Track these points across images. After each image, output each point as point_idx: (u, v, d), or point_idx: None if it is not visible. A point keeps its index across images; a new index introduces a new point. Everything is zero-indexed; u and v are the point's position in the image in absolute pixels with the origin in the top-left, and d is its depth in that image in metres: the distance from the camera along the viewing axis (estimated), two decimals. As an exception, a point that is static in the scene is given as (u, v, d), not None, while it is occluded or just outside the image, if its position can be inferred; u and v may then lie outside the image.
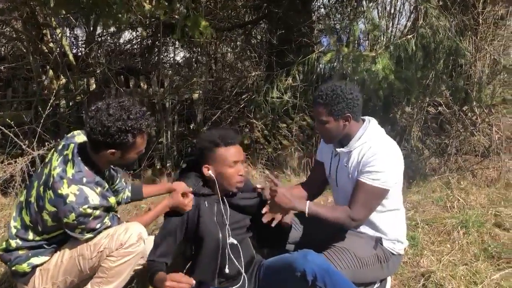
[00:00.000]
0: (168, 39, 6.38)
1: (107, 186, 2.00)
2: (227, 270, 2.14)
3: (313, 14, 5.91)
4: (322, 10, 6.46)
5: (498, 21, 4.92)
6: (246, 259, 2.21)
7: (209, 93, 5.59)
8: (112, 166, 2.17)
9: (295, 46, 5.20)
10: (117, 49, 7.11)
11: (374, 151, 2.19)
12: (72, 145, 1.97)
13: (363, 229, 2.34)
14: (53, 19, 5.11)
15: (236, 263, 2.15)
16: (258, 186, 2.37)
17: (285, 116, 5.35)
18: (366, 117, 2.37)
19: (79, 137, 2.04)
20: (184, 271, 2.21)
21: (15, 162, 3.03)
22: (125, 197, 2.38)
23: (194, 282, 1.93)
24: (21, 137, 3.55)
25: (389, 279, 2.47)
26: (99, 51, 6.29)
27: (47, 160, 1.99)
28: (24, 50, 5.48)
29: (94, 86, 5.42)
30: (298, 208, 2.16)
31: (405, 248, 2.50)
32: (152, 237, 2.33)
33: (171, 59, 6.97)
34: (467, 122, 4.69)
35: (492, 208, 3.48)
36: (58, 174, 1.87)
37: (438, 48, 3.92)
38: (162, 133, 5.03)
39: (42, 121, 3.44)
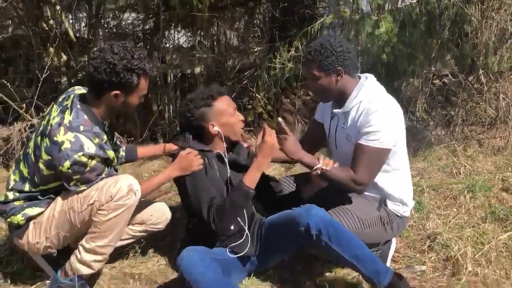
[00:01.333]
0: (170, 24, 6.29)
1: (105, 138, 1.96)
2: (232, 227, 2.12)
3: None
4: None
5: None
6: (248, 217, 2.17)
7: (211, 68, 5.53)
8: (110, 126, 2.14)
9: (298, 19, 5.12)
10: (119, 31, 7.06)
11: (371, 110, 2.12)
12: (72, 96, 1.94)
13: (369, 190, 2.29)
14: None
15: (240, 220, 2.13)
16: (245, 144, 2.38)
17: (288, 90, 5.30)
18: (363, 74, 2.30)
19: (79, 90, 2.01)
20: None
21: (13, 126, 3.00)
22: (120, 156, 2.34)
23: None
24: (21, 111, 3.52)
25: (393, 240, 2.44)
26: (100, 32, 6.24)
27: (46, 113, 1.96)
28: (24, 28, 5.43)
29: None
30: (306, 161, 2.11)
31: (410, 210, 2.46)
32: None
33: (174, 41, 6.90)
34: (473, 91, 4.61)
35: (499, 174, 3.42)
36: (56, 122, 1.84)
37: (443, 14, 3.84)
38: (165, 108, 5.01)
39: (40, 88, 3.37)
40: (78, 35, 5.93)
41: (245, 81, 5.55)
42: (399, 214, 2.29)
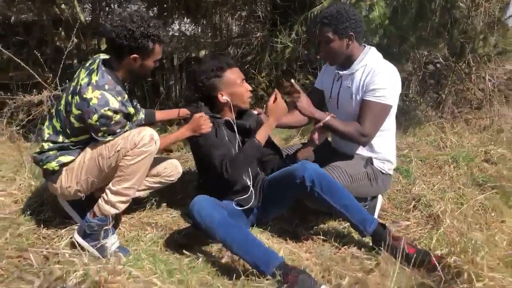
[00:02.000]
0: (174, 12, 6.49)
1: (126, 96, 2.24)
2: (248, 182, 2.38)
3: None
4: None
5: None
6: (252, 175, 2.43)
7: (214, 53, 5.77)
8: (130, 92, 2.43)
9: (299, 5, 5.35)
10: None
11: (377, 70, 2.40)
12: (97, 60, 2.22)
13: (359, 149, 2.58)
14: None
15: (247, 180, 2.38)
16: (255, 111, 2.60)
17: (289, 73, 5.55)
18: (367, 45, 2.58)
19: (104, 56, 2.28)
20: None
21: (41, 94, 3.27)
22: (140, 119, 2.61)
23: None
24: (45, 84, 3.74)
25: (379, 197, 2.72)
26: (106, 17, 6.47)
27: (75, 76, 2.23)
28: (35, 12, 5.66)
29: (105, 45, 5.63)
30: (317, 116, 2.38)
31: (393, 169, 2.74)
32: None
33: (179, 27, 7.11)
34: (463, 74, 4.88)
35: (483, 147, 3.71)
36: (85, 82, 2.12)
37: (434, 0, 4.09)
38: (171, 89, 5.26)
39: (61, 68, 3.63)
40: (88, 20, 6.17)
41: (247, 66, 5.79)
42: (384, 172, 2.58)
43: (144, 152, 2.12)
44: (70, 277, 1.63)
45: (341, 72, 2.55)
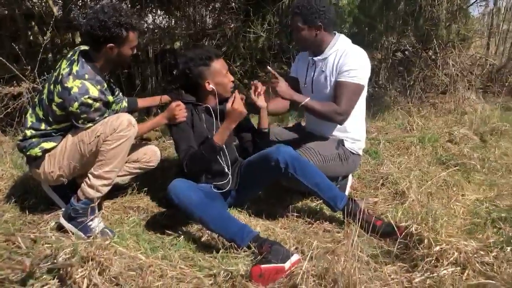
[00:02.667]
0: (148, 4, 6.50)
1: (105, 86, 2.34)
2: (226, 170, 2.50)
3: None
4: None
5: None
6: (231, 160, 2.57)
7: (189, 44, 5.84)
8: (113, 82, 2.53)
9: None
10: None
11: (349, 53, 2.59)
12: (78, 52, 2.32)
13: (332, 130, 2.74)
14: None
15: (224, 165, 2.51)
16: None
17: (263, 64, 5.67)
18: (337, 33, 2.74)
19: (83, 47, 2.38)
20: (177, 169, 2.60)
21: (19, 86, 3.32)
22: (123, 107, 2.71)
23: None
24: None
25: (350, 177, 2.90)
26: (79, 11, 6.45)
27: (56, 67, 2.32)
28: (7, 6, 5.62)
29: (79, 39, 5.64)
30: (296, 99, 2.55)
31: (363, 151, 2.91)
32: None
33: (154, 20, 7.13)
34: (429, 60, 5.10)
35: (447, 129, 3.93)
36: (66, 72, 2.23)
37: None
38: (147, 80, 5.33)
39: (39, 61, 3.68)
40: (60, 14, 6.16)
41: (222, 56, 5.88)
42: (354, 152, 2.75)
43: (123, 136, 2.22)
44: (60, 254, 1.72)
45: (314, 58, 2.71)
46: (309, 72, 2.80)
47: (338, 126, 2.70)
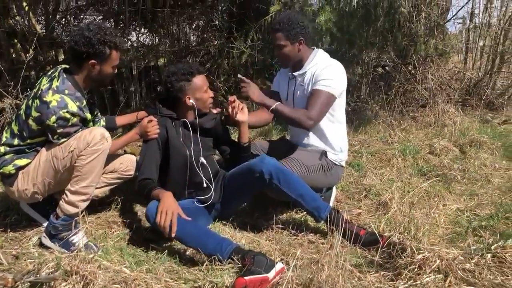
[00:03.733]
0: (131, 22, 6.54)
1: (85, 103, 2.35)
2: (204, 184, 2.52)
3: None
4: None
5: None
6: (212, 173, 2.58)
7: (173, 61, 5.88)
8: (92, 102, 2.55)
9: (254, 13, 5.57)
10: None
11: (325, 64, 2.67)
12: (59, 68, 2.33)
13: (315, 142, 2.78)
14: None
15: (204, 178, 2.52)
16: (214, 111, 2.73)
17: (247, 79, 5.73)
18: (315, 48, 2.81)
19: (65, 66, 2.38)
20: (159, 184, 2.59)
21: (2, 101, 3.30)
22: (101, 126, 2.70)
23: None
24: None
25: (334, 189, 2.93)
26: (62, 29, 6.46)
27: (37, 84, 2.32)
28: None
29: (63, 56, 5.64)
30: (267, 103, 2.59)
31: (346, 161, 2.96)
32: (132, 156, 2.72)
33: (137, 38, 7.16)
34: (409, 75, 5.22)
35: (428, 141, 4.01)
36: (46, 87, 2.23)
37: (378, 6, 4.39)
38: (131, 97, 5.33)
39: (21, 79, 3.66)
40: (45, 31, 6.15)
41: (206, 73, 5.93)
42: (337, 163, 2.78)
43: (97, 150, 2.20)
44: (43, 268, 1.71)
45: (294, 73, 2.76)
46: (290, 87, 2.85)
47: (322, 138, 2.75)
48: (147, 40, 6.99)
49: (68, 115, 2.19)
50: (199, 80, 2.54)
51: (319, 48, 2.83)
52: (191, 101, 2.52)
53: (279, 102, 2.60)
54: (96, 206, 2.74)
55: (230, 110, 2.56)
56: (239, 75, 2.61)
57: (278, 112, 2.60)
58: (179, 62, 2.82)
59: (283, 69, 2.99)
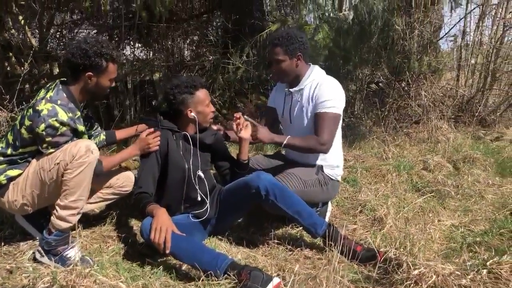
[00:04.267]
0: (126, 37, 6.58)
1: (79, 114, 2.34)
2: (198, 198, 2.52)
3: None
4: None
5: (429, 6, 5.54)
6: (209, 188, 2.58)
7: (168, 76, 5.91)
8: (91, 116, 2.55)
9: (249, 29, 5.63)
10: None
11: (323, 84, 2.68)
12: (57, 81, 2.34)
13: (311, 157, 2.78)
14: (14, 6, 5.29)
15: (200, 192, 2.53)
16: (214, 127, 2.76)
17: (242, 94, 5.77)
18: (311, 64, 2.83)
19: (63, 79, 2.38)
20: (156, 197, 2.59)
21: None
22: (101, 140, 2.72)
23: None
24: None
25: (329, 204, 2.94)
26: (57, 43, 6.48)
27: (36, 96, 2.32)
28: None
29: (57, 70, 5.65)
30: (278, 140, 2.61)
31: (342, 179, 2.97)
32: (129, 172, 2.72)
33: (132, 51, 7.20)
34: (402, 91, 5.28)
35: (422, 157, 4.04)
36: (41, 97, 2.24)
37: (373, 23, 4.46)
38: (126, 111, 5.33)
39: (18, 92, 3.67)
40: (39, 44, 6.16)
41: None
42: (333, 178, 2.79)
43: (83, 163, 2.18)
44: (38, 283, 1.69)
45: (291, 90, 2.78)
46: (286, 103, 2.87)
47: (318, 154, 2.75)
48: (141, 54, 7.05)
49: (57, 124, 2.18)
50: (202, 94, 2.54)
51: (315, 65, 2.85)
52: (192, 114, 2.52)
53: (289, 136, 2.62)
54: (91, 220, 2.73)
55: (234, 126, 2.57)
56: (245, 116, 2.61)
57: (290, 146, 2.63)
58: (182, 75, 2.82)
59: (279, 85, 3.00)
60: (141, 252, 2.42)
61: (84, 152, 2.18)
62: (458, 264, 2.21)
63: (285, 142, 2.60)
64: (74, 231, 2.23)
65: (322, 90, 2.66)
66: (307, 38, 2.79)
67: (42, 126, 2.16)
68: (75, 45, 2.26)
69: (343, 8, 5.18)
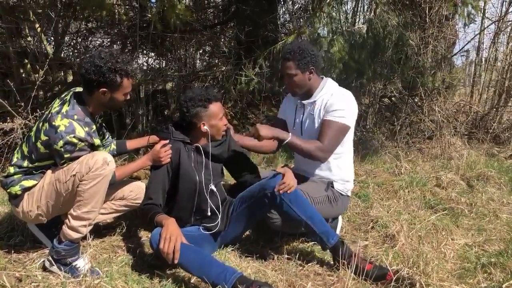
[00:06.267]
0: (140, 45, 6.63)
1: (94, 128, 2.34)
2: (208, 213, 2.51)
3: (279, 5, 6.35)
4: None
5: (443, 22, 5.53)
6: (220, 200, 2.56)
7: (180, 85, 5.93)
8: (104, 126, 2.56)
9: (262, 41, 5.65)
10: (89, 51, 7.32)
11: (336, 94, 2.66)
12: (71, 93, 2.33)
13: (321, 172, 2.76)
14: (31, 13, 5.37)
15: (212, 205, 2.51)
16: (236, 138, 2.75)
17: (254, 106, 5.78)
18: (324, 77, 2.82)
19: (79, 88, 2.39)
20: (167, 209, 2.58)
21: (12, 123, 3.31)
22: (112, 149, 2.72)
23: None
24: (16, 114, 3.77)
25: (340, 219, 2.90)
26: (72, 51, 6.55)
27: (50, 106, 2.33)
28: (1, 44, 5.68)
29: (71, 77, 5.70)
30: (280, 136, 2.57)
31: (353, 194, 2.94)
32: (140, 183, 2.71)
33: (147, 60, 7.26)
34: (415, 107, 5.24)
35: (434, 173, 3.99)
36: (56, 110, 2.23)
37: (387, 38, 4.45)
38: (138, 120, 5.35)
39: (32, 98, 3.70)
40: (54, 52, 6.24)
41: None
42: (343, 193, 2.76)
43: (99, 175, 2.18)
44: (47, 293, 1.68)
45: (303, 102, 2.76)
46: (297, 115, 2.85)
47: (328, 167, 2.74)
48: (154, 63, 7.09)
49: (75, 140, 2.18)
50: (216, 108, 2.51)
51: (328, 77, 2.84)
52: (205, 127, 2.50)
53: (291, 134, 2.59)
54: (101, 229, 2.72)
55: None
56: (252, 128, 2.60)
57: (292, 144, 2.59)
58: (197, 87, 2.81)
59: (289, 97, 2.98)
60: (150, 263, 2.40)
61: (100, 165, 2.18)
62: (472, 285, 2.17)
63: (289, 139, 2.56)
64: (84, 241, 2.21)
65: (334, 99, 2.64)
66: (319, 51, 2.78)
67: (61, 142, 2.16)
68: (89, 60, 2.23)
69: (357, 21, 5.19)
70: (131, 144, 2.84)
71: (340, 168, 2.74)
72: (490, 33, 5.99)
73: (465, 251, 2.68)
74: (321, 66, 2.80)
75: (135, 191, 2.63)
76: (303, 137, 2.78)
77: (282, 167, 2.58)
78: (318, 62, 2.69)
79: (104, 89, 2.26)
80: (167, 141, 2.50)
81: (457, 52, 5.77)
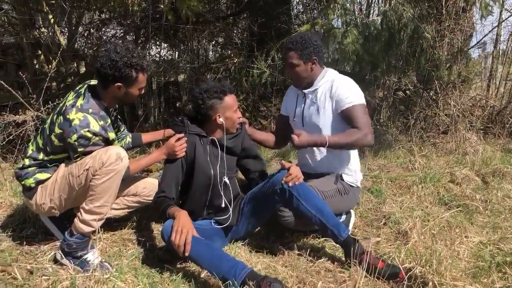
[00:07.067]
0: (153, 37, 6.61)
1: (109, 122, 2.33)
2: (222, 205, 2.51)
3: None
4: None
5: (460, 14, 5.41)
6: (233, 195, 2.57)
7: (192, 78, 5.91)
8: (119, 118, 2.55)
9: (275, 33, 5.59)
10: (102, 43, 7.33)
11: (337, 81, 2.66)
12: (86, 85, 2.32)
13: (326, 165, 2.75)
14: (44, 4, 5.37)
15: (225, 199, 2.51)
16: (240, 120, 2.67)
17: (266, 99, 5.74)
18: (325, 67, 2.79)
19: (93, 81, 2.38)
20: (180, 202, 2.57)
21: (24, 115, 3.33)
22: (127, 142, 2.72)
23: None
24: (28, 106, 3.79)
25: (353, 214, 2.88)
26: (84, 42, 6.56)
27: (64, 98, 2.33)
28: (15, 36, 5.72)
29: (84, 69, 5.71)
30: (319, 142, 2.54)
31: (366, 189, 2.90)
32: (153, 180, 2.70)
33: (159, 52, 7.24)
34: (430, 101, 5.15)
35: (449, 169, 3.92)
36: (71, 104, 2.22)
37: (402, 30, 4.37)
38: (150, 111, 5.36)
39: (45, 89, 3.71)
40: (67, 43, 6.25)
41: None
42: (353, 185, 2.74)
43: (112, 170, 2.18)
44: (57, 287, 1.68)
45: (305, 91, 2.75)
46: (298, 105, 2.83)
47: (334, 160, 2.74)
48: (167, 55, 7.07)
49: (89, 134, 2.18)
50: (231, 99, 2.49)
51: (333, 69, 2.81)
52: (221, 119, 2.48)
53: (326, 135, 2.55)
54: (112, 222, 2.72)
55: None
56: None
57: (333, 145, 2.55)
58: (210, 80, 2.79)
59: (289, 91, 2.99)
60: (160, 257, 2.41)
61: (114, 160, 2.18)
62: (487, 285, 2.13)
63: (327, 143, 2.52)
64: (94, 235, 2.21)
65: (341, 87, 2.63)
66: (321, 42, 2.74)
67: (75, 136, 2.15)
68: (104, 55, 2.21)
69: (371, 13, 5.10)
70: (146, 137, 2.84)
71: (347, 159, 2.74)
72: (508, 25, 5.87)
73: (479, 250, 2.63)
74: (324, 57, 2.76)
75: (148, 188, 2.63)
76: (304, 128, 2.76)
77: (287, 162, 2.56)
78: (321, 52, 2.68)
79: (120, 84, 2.25)
80: (182, 135, 2.49)
81: (474, 45, 5.64)
